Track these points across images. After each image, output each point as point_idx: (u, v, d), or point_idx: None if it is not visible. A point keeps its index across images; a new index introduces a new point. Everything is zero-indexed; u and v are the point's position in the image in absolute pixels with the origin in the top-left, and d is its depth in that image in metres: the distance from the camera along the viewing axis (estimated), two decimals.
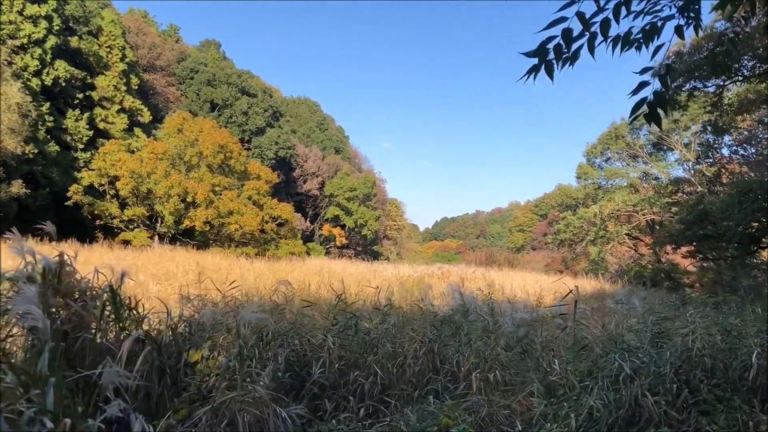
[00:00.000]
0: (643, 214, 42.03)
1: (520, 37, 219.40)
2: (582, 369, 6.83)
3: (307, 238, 72.00)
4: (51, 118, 37.58)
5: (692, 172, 43.51)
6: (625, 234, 43.06)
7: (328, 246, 71.20)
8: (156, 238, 39.85)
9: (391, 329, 7.43)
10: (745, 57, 13.75)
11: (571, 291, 6.99)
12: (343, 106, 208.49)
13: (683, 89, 15.65)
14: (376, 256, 75.83)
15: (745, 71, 14.61)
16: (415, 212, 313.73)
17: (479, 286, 17.96)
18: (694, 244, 21.23)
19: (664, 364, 6.96)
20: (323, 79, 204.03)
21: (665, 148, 45.63)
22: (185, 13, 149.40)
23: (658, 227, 38.01)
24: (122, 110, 45.09)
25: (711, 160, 39.79)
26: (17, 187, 29.50)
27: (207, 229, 39.32)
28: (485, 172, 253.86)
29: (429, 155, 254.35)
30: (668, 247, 30.13)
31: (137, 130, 45.93)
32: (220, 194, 40.71)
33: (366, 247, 76.16)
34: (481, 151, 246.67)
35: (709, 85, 15.89)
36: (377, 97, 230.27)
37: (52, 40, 38.52)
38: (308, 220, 71.99)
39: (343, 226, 71.59)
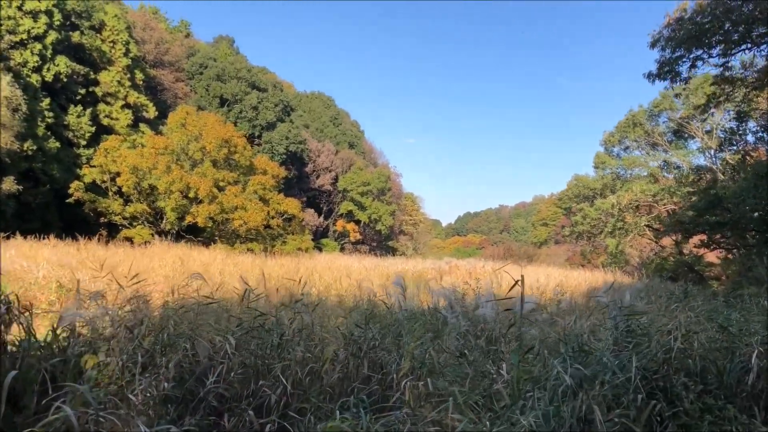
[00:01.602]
0: (663, 205, 40.20)
1: (542, 32, 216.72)
2: (529, 377, 5.61)
3: (322, 234, 71.13)
4: (51, 114, 37.00)
5: (714, 160, 41.63)
6: (645, 225, 41.22)
7: (342, 242, 70.24)
8: (160, 234, 39.15)
9: (305, 329, 6.28)
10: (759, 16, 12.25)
11: (516, 282, 5.74)
12: (366, 101, 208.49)
13: (684, 59, 14.20)
14: (392, 251, 74.72)
15: (755, 36, 13.12)
16: (439, 208, 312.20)
17: (466, 280, 16.77)
18: (707, 232, 19.76)
19: (628, 370, 5.70)
20: (345, 75, 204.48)
21: (686, 135, 43.72)
22: (202, 11, 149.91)
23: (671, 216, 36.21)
24: (126, 106, 44.47)
25: (735, 148, 37.91)
26: (9, 184, 28.84)
27: (210, 225, 38.50)
28: (509, 166, 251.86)
29: (452, 150, 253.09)
30: (695, 238, 28.51)
31: (143, 126, 45.27)
32: (224, 190, 39.88)
33: (381, 243, 75.05)
34: (506, 145, 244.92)
35: (714, 54, 14.40)
36: (401, 93, 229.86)
37: (52, 36, 37.95)
38: (322, 215, 71.07)
39: (357, 222, 70.58)
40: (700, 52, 13.86)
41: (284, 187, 57.11)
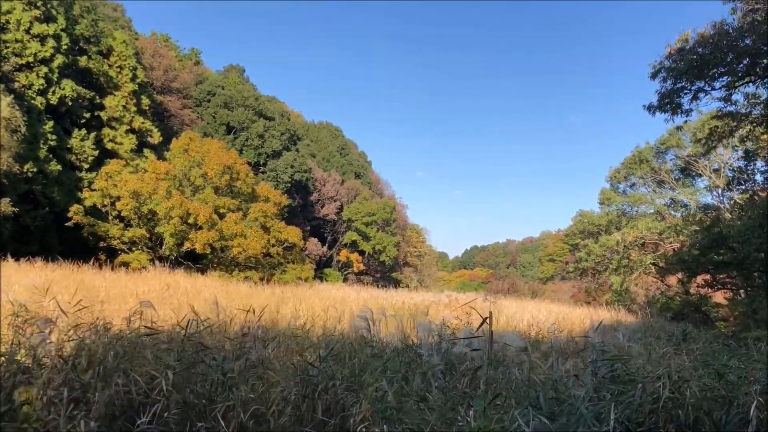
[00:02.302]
0: (670, 243, 39.44)
1: (552, 64, 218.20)
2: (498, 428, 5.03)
3: (325, 263, 70.54)
4: (53, 137, 36.93)
5: (722, 199, 41.04)
6: (651, 263, 40.39)
7: (346, 272, 69.60)
8: (159, 260, 38.72)
9: (256, 366, 5.72)
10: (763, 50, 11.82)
11: (485, 320, 5.19)
12: (377, 135, 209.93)
13: (686, 91, 13.66)
14: (395, 283, 73.92)
15: (759, 69, 12.64)
16: (446, 240, 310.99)
17: (457, 314, 16.11)
18: (711, 271, 19.06)
19: (603, 420, 5.13)
20: (357, 108, 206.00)
21: (694, 173, 43.20)
22: (215, 41, 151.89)
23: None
24: (131, 131, 44.48)
25: (743, 187, 37.34)
26: (4, 206, 28.53)
27: (208, 251, 38.04)
28: (518, 201, 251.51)
29: (461, 184, 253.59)
30: (701, 278, 27.71)
31: (147, 151, 45.25)
32: (225, 216, 39.53)
33: (385, 274, 74.29)
34: (515, 180, 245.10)
35: (717, 86, 13.90)
36: (411, 126, 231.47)
37: (59, 59, 38.09)
38: (326, 245, 70.55)
39: (361, 252, 69.99)
40: (702, 83, 13.40)
41: (288, 216, 56.78)
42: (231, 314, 7.89)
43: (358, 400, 5.66)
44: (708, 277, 20.91)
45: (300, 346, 6.67)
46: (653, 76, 13.85)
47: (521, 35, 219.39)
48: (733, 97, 14.39)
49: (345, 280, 66.50)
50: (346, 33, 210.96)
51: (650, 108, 14.04)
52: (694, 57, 12.49)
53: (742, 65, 12.63)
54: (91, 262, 29.81)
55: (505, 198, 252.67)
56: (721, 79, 13.50)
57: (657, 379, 6.56)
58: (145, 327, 6.06)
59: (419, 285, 79.20)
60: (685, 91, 13.26)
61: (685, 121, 13.54)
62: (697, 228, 37.62)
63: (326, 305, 16.46)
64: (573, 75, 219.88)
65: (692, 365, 8.15)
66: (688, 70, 12.60)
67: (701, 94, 13.55)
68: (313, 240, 64.89)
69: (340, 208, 69.94)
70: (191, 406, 5.32)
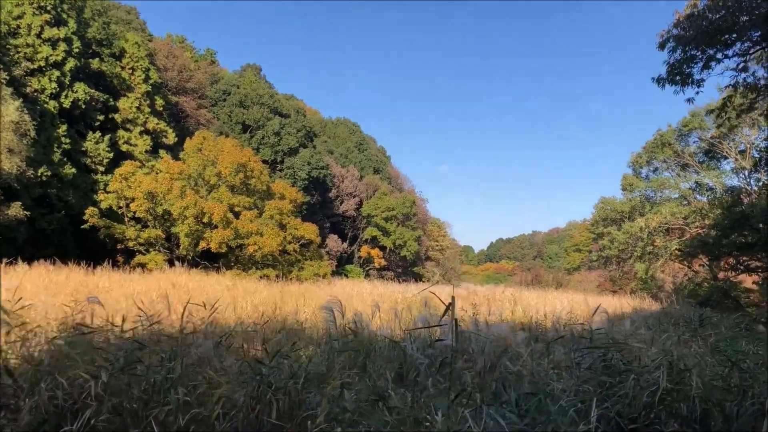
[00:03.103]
0: (695, 228, 38.12)
1: (573, 57, 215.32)
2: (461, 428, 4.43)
3: (347, 260, 70.17)
4: (67, 141, 37.00)
5: (749, 180, 39.60)
6: (676, 249, 39.06)
7: (367, 268, 69.10)
8: (177, 261, 38.59)
9: (199, 364, 5.18)
10: None
11: (448, 307, 4.58)
12: (400, 131, 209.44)
13: (697, 60, 12.68)
14: (418, 278, 73.28)
15: None
16: (471, 234, 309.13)
17: (462, 306, 15.48)
18: (735, 254, 18.07)
19: (586, 416, 4.53)
20: (378, 104, 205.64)
21: (719, 155, 41.76)
22: (232, 42, 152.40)
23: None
24: (146, 132, 44.44)
25: None
26: (15, 210, 28.52)
27: (224, 250, 37.82)
28: (543, 192, 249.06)
29: (486, 177, 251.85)
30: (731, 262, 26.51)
31: (162, 152, 45.18)
32: (240, 215, 39.28)
33: (406, 269, 73.63)
34: (540, 171, 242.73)
35: (730, 54, 12.86)
36: (434, 121, 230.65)
37: (71, 63, 38.13)
38: (347, 241, 70.14)
39: (382, 248, 69.42)
40: (713, 51, 12.43)
41: (307, 213, 56.45)
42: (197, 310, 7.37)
43: (319, 401, 5.09)
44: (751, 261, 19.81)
45: (252, 343, 6.09)
46: (661, 46, 12.93)
47: (541, 21, 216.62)
48: (751, 67, 13.46)
49: (367, 276, 65.93)
50: (365, 28, 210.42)
51: (659, 80, 13.13)
52: (704, 23, 11.61)
53: (756, 30, 11.71)
54: (105, 264, 29.76)
55: (531, 189, 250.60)
56: (734, 47, 12.59)
57: (657, 369, 5.89)
58: (79, 325, 5.56)
59: (442, 279, 78.38)
60: (696, 61, 12.37)
61: (697, 93, 12.69)
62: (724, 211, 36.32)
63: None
64: (595, 59, 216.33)
65: (702, 352, 7.43)
66: (697, 36, 11.70)
67: (713, 63, 12.63)
68: (333, 236, 64.53)
69: (360, 204, 69.44)
70: (126, 411, 4.80)
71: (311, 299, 16.74)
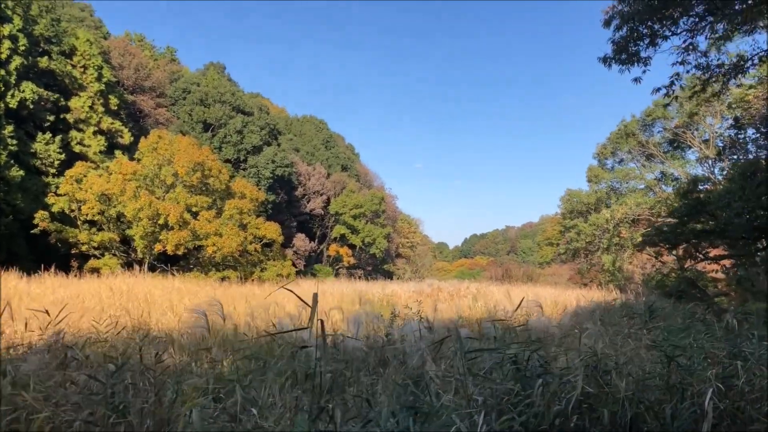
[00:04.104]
0: (661, 218, 37.90)
1: (541, 47, 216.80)
2: None
3: (316, 259, 69.16)
4: (14, 142, 35.46)
5: (714, 169, 39.56)
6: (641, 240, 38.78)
7: (337, 267, 68.16)
8: (134, 264, 37.28)
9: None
10: None
11: (315, 300, 3.75)
12: (372, 130, 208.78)
13: (642, 38, 11.97)
14: (388, 275, 72.53)
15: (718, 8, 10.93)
16: (447, 231, 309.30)
17: (406, 303, 14.73)
18: (692, 242, 17.58)
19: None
20: (348, 102, 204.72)
21: (683, 145, 41.66)
22: (196, 42, 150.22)
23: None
24: (100, 132, 42.91)
25: (735, 157, 35.89)
26: None
27: (181, 252, 36.60)
28: (516, 187, 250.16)
29: (460, 174, 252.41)
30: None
31: (118, 153, 43.68)
32: (198, 215, 38.10)
33: (377, 267, 72.87)
34: (513, 166, 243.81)
35: (678, 30, 12.21)
36: (408, 119, 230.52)
37: (17, 61, 36.58)
38: (316, 240, 69.08)
39: (351, 246, 68.54)
40: (659, 27, 11.75)
41: (272, 212, 55.32)
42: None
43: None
44: (715, 250, 19.16)
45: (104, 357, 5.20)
46: (606, 23, 12.20)
47: (510, 18, 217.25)
48: (702, 46, 12.88)
49: (336, 275, 65.02)
50: (338, 27, 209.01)
51: (605, 60, 12.43)
52: None
53: (701, 4, 11.08)
54: (50, 270, 28.50)
55: (505, 185, 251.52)
56: (680, 23, 11.95)
57: (577, 370, 5.15)
58: None
59: (414, 275, 77.74)
60: (642, 38, 11.70)
61: (644, 72, 12.05)
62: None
63: (267, 303, 15.02)
64: (568, 54, 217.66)
65: (637, 347, 6.75)
66: (642, 11, 11.02)
67: (659, 40, 11.98)
68: (301, 236, 63.45)
69: (327, 202, 68.44)
70: None
71: (251, 299, 15.83)
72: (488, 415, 3.74)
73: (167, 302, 14.55)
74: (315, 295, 3.75)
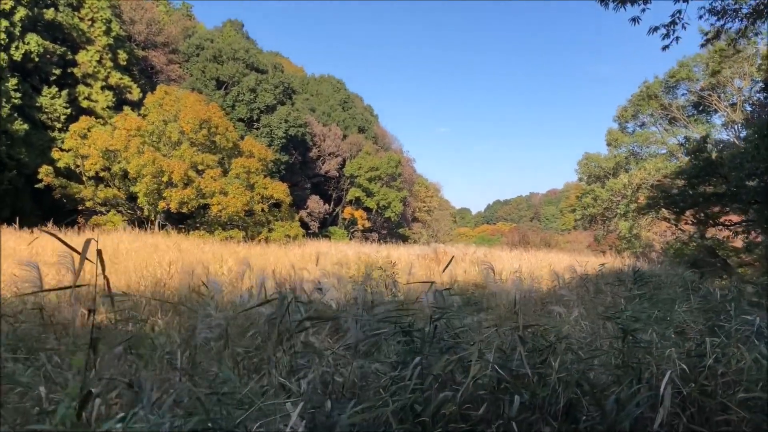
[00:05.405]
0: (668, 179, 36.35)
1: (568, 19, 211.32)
2: None
3: (331, 221, 68.51)
4: (18, 95, 34.93)
5: (740, 135, 37.72)
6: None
7: (352, 230, 67.45)
8: (143, 222, 36.88)
9: None
10: None
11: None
12: (399, 95, 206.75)
13: None
14: (404, 239, 71.71)
15: None
16: (470, 196, 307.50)
17: (380, 265, 13.83)
18: (701, 206, 16.29)
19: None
20: (375, 64, 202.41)
21: (709, 109, 39.73)
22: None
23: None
24: (108, 87, 42.23)
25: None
26: None
27: (185, 210, 36.05)
28: (541, 153, 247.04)
29: (485, 139, 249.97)
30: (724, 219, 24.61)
31: (126, 109, 42.99)
32: (203, 173, 37.41)
33: (392, 231, 72.02)
34: (539, 132, 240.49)
35: None
36: (433, 84, 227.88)
37: (21, 12, 35.83)
38: (332, 203, 68.31)
39: (366, 209, 67.67)
40: None
41: (286, 173, 54.54)
42: None
43: None
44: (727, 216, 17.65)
45: None
46: None
47: None
48: None
49: (351, 238, 64.37)
50: None
51: None
52: None
53: None
54: (61, 225, 28.32)
55: (530, 151, 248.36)
56: None
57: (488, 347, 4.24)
58: None
59: (431, 240, 76.77)
60: None
61: (643, 11, 10.68)
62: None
63: (265, 263, 14.23)
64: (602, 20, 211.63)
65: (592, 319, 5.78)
66: None
67: None
68: (315, 198, 62.63)
69: (343, 164, 67.36)
70: None
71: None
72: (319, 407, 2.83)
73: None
74: (87, 241, 2.84)
